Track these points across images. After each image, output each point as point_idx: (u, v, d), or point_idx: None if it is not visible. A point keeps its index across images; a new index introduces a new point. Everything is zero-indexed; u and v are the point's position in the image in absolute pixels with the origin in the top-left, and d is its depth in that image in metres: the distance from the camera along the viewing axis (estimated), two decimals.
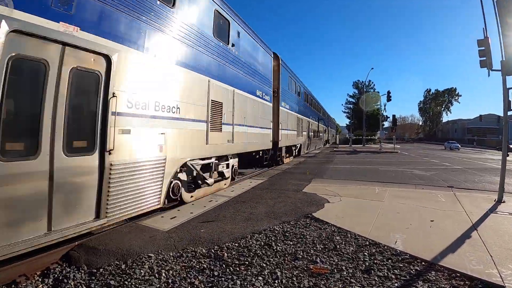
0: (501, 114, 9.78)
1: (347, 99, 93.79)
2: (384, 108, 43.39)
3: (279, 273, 3.78)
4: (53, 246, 4.30)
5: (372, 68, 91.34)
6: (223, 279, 3.66)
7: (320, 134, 38.25)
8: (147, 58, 5.71)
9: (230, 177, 9.88)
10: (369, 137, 61.56)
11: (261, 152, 13.61)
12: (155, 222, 5.87)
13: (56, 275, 3.83)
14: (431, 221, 6.05)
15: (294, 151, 21.07)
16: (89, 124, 4.69)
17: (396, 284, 3.53)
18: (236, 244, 4.79)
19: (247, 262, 4.14)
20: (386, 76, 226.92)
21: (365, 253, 4.44)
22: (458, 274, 3.76)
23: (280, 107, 15.35)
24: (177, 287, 3.51)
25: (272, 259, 4.23)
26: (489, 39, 8.67)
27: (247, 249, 4.59)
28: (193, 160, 7.30)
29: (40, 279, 3.77)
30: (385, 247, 4.66)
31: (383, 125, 53.82)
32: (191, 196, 7.63)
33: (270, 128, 13.79)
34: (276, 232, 5.38)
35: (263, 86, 12.74)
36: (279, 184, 10.58)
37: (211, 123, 7.84)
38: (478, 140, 76.11)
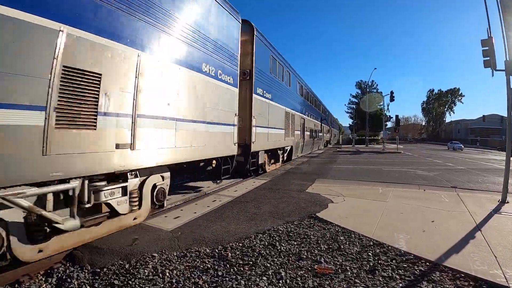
0: (505, 115, 9.76)
1: (350, 99, 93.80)
2: (387, 109, 43.19)
3: (283, 273, 3.78)
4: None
5: (375, 68, 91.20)
6: (227, 279, 3.66)
7: (320, 134, 34.08)
8: None
9: (149, 205, 5.93)
10: (372, 138, 61.47)
11: (215, 161, 8.55)
12: (158, 222, 5.89)
13: (59, 275, 3.82)
14: (432, 222, 6.04)
15: (281, 156, 16.33)
16: None
17: (400, 285, 3.53)
18: (240, 244, 4.80)
19: (251, 262, 4.14)
20: (389, 76, 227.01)
21: (369, 253, 4.44)
22: (462, 275, 3.76)
23: (254, 95, 10.93)
24: (181, 287, 3.51)
25: (276, 259, 4.23)
26: (493, 39, 8.65)
27: (251, 249, 4.59)
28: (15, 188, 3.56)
29: (43, 279, 3.76)
30: (389, 247, 4.66)
31: (386, 125, 53.66)
32: (39, 251, 4.01)
33: (233, 125, 9.04)
34: (280, 232, 5.38)
35: (220, 60, 8.17)
36: (282, 184, 10.59)
37: (59, 112, 3.86)
38: (481, 141, 75.85)
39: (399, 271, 3.88)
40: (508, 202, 7.69)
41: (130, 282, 3.58)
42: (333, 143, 57.53)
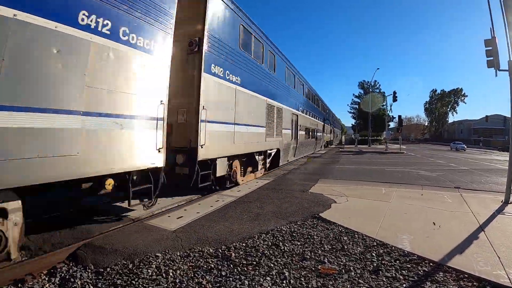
0: (508, 115, 9.75)
1: (352, 99, 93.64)
2: (390, 109, 43.05)
3: (287, 273, 3.79)
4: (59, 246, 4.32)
5: (378, 68, 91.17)
6: (230, 279, 3.66)
7: (320, 134, 30.81)
8: None
9: None
10: (375, 138, 61.38)
11: (110, 181, 5.25)
12: (161, 222, 5.91)
13: (62, 274, 3.83)
14: (435, 222, 6.03)
15: (261, 162, 12.22)
16: None
17: (404, 285, 3.54)
18: (244, 244, 4.81)
19: (254, 262, 4.15)
20: (392, 77, 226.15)
21: (372, 254, 4.45)
22: (466, 275, 3.76)
23: (204, 75, 7.44)
24: (185, 287, 3.51)
25: (279, 259, 4.25)
26: (496, 39, 8.65)
27: (255, 249, 4.60)
28: None
29: (46, 278, 3.76)
30: (393, 247, 4.67)
31: (389, 125, 53.55)
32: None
33: (155, 119, 5.83)
34: (284, 232, 5.39)
35: (135, 13, 5.31)
36: (285, 184, 10.59)
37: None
38: (484, 141, 75.63)
39: (403, 271, 3.88)
40: (511, 203, 7.67)
41: (134, 282, 3.58)
42: (335, 144, 57.25)
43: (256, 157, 11.46)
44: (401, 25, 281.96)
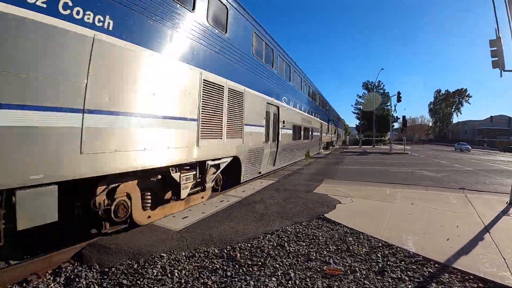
0: None
1: (356, 99, 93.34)
2: (395, 109, 42.81)
3: (292, 274, 3.81)
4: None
5: (382, 69, 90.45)
6: (236, 279, 3.69)
7: (316, 133, 25.74)
8: None
9: None
10: (379, 138, 61.18)
11: None
12: (166, 222, 5.96)
13: (67, 274, 3.86)
14: (440, 223, 6.03)
15: (192, 182, 6.96)
16: None
17: (410, 286, 3.55)
18: (249, 245, 4.83)
19: (260, 263, 4.17)
20: (396, 77, 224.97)
21: (378, 255, 4.46)
22: (471, 277, 3.77)
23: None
24: (190, 287, 3.53)
25: (285, 260, 4.27)
26: (501, 39, 8.62)
27: (260, 250, 4.63)
28: None
29: (51, 278, 3.80)
30: (398, 248, 4.68)
31: (393, 126, 53.36)
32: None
33: None
34: (289, 232, 5.41)
35: None
36: (289, 184, 10.60)
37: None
38: (488, 142, 75.23)
39: (408, 272, 3.90)
40: None
41: (139, 282, 3.61)
42: (338, 144, 56.88)
43: (177, 175, 6.41)
44: (405, 25, 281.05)
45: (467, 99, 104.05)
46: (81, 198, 4.91)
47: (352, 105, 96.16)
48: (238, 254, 4.44)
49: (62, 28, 3.87)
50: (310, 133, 22.24)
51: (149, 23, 5.32)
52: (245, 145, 9.59)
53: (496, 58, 8.57)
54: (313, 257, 4.37)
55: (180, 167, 6.54)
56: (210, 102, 7.36)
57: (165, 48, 5.76)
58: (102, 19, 4.41)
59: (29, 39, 3.57)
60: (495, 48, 8.61)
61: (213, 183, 8.26)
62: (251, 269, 3.98)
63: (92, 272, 3.90)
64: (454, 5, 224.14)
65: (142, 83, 5.19)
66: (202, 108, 7.00)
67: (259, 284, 3.58)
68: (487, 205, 7.59)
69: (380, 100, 61.44)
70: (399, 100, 36.27)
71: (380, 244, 4.87)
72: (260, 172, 11.55)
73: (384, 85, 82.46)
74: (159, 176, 6.27)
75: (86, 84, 4.23)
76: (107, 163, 4.61)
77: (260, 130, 11.04)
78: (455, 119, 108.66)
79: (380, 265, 4.11)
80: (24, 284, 3.61)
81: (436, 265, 4.13)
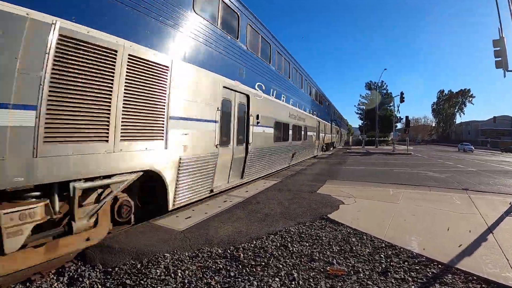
0: None
1: (359, 100, 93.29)
2: (398, 109, 42.73)
3: (295, 275, 3.82)
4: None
5: (385, 69, 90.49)
6: (239, 279, 3.69)
7: (312, 133, 21.93)
8: None
9: None
10: (382, 139, 61.05)
11: None
12: (170, 222, 5.96)
13: (71, 274, 3.87)
14: (444, 224, 6.02)
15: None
16: None
17: (413, 287, 3.56)
18: (252, 245, 4.84)
19: (263, 263, 4.18)
20: (399, 77, 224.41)
21: (381, 255, 4.46)
22: (474, 277, 3.77)
23: None
24: (194, 287, 3.54)
25: (288, 260, 4.28)
26: (504, 39, 8.61)
27: (263, 250, 4.64)
28: None
29: (55, 278, 3.81)
30: (401, 249, 4.68)
31: (396, 126, 53.22)
32: None
33: None
34: (292, 233, 5.42)
35: None
36: (293, 185, 10.60)
37: None
38: (492, 142, 74.77)
39: (412, 273, 3.90)
40: None
41: (142, 282, 3.63)
42: (341, 145, 56.56)
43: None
44: (407, 25, 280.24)
45: (470, 99, 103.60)
46: None
47: (355, 105, 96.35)
48: (242, 255, 4.45)
49: None
50: (303, 133, 18.55)
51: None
52: (173, 151, 6.23)
53: (500, 58, 8.55)
54: (316, 258, 4.37)
55: None
56: (74, 73, 4.19)
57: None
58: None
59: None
60: (499, 48, 8.60)
61: (97, 217, 4.93)
62: (254, 270, 3.99)
63: (95, 272, 3.92)
64: (456, 5, 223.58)
65: None
66: (50, 84, 3.89)
67: (262, 284, 3.59)
68: (490, 206, 7.57)
69: (380, 99, 61.37)
70: (402, 100, 36.20)
71: (384, 245, 4.88)
72: (212, 190, 7.88)
73: (387, 85, 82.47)
74: None
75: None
76: None
77: (208, 127, 7.50)
78: (458, 119, 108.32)
79: (384, 266, 4.11)
80: (27, 284, 3.63)
81: (440, 265, 4.13)
